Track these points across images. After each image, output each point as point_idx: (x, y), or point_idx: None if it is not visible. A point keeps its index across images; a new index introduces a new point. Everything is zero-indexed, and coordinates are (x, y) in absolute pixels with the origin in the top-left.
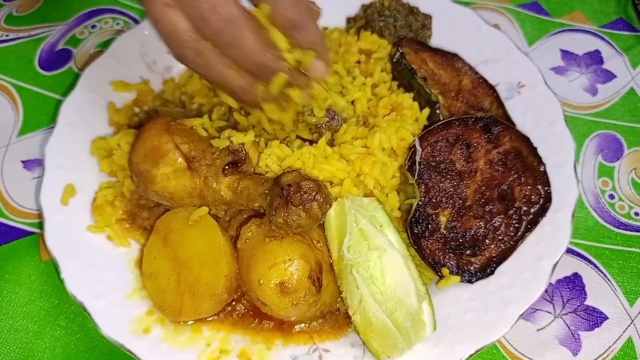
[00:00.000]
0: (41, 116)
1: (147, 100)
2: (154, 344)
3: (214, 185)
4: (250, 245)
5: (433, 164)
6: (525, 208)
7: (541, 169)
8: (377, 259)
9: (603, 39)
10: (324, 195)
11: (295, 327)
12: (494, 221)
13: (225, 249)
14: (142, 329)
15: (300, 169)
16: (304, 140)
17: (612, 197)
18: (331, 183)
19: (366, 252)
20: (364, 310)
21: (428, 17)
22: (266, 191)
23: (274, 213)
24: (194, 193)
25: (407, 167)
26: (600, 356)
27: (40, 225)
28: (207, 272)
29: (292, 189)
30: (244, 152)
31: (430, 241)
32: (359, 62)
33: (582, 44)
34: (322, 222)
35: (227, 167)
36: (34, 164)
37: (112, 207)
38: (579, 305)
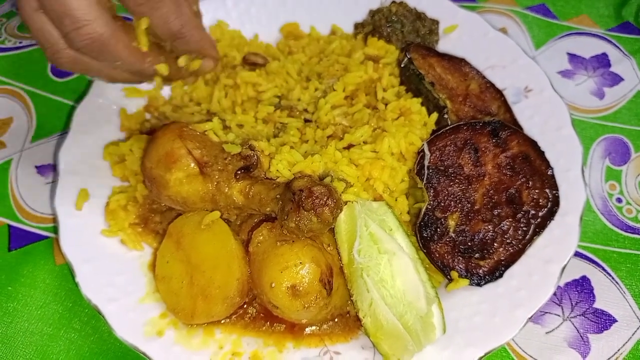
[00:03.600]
0: (54, 122)
1: (158, 106)
2: (168, 346)
3: (226, 190)
4: (261, 249)
5: (441, 168)
6: (533, 212)
7: (549, 173)
8: (387, 262)
9: (610, 42)
10: (335, 200)
11: (306, 329)
12: (502, 225)
13: (238, 252)
14: (156, 331)
15: (311, 175)
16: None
17: (619, 200)
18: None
19: (376, 256)
20: (374, 313)
21: (435, 23)
22: (278, 196)
23: (285, 217)
24: (206, 198)
25: (415, 171)
26: (609, 359)
27: (55, 230)
28: (219, 275)
29: (304, 194)
30: (255, 157)
31: (439, 245)
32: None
33: (589, 47)
34: (333, 226)
35: (239, 172)
36: (48, 169)
37: (125, 211)
38: (588, 308)
